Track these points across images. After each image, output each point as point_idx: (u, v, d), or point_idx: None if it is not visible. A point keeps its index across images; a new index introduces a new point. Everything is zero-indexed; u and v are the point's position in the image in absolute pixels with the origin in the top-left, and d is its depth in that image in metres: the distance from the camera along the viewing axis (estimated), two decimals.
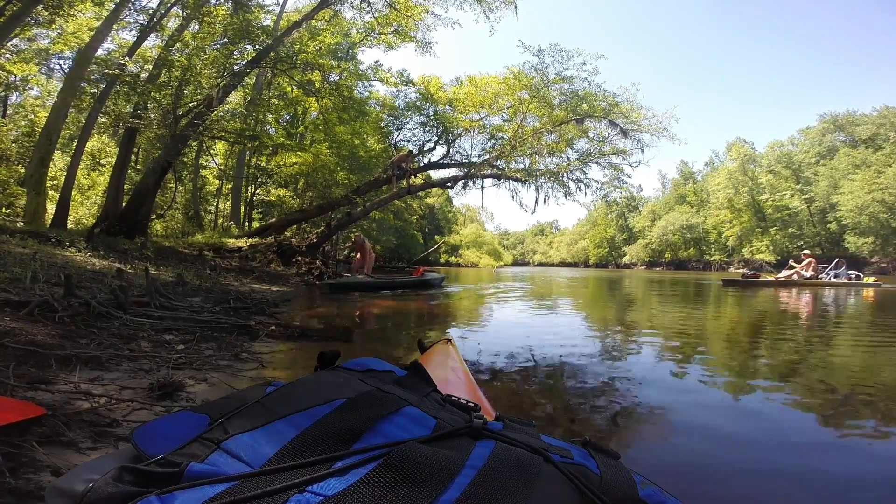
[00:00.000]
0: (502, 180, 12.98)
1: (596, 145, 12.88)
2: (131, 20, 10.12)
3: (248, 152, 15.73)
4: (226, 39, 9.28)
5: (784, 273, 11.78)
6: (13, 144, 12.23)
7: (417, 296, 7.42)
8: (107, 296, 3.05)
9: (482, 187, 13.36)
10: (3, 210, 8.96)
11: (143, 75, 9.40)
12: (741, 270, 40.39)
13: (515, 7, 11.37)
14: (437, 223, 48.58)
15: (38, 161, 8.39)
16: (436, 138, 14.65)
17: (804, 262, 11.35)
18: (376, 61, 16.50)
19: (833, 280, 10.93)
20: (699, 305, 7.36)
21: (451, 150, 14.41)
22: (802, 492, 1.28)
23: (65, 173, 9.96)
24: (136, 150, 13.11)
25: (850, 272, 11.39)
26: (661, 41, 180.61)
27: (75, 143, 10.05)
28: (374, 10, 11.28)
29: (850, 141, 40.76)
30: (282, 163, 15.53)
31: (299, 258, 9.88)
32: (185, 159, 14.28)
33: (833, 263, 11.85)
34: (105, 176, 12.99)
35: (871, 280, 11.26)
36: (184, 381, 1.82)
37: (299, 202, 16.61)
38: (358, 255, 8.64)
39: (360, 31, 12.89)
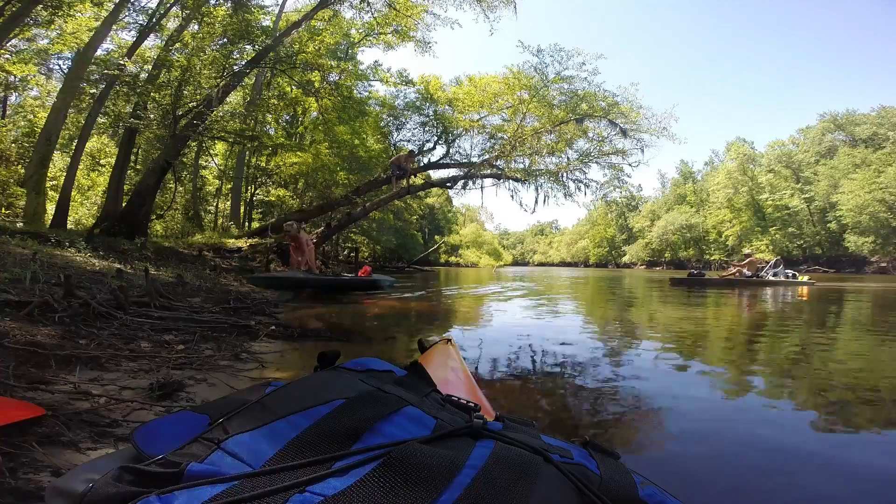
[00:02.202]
0: (502, 180, 12.98)
1: (595, 145, 12.88)
2: (131, 20, 10.13)
3: (247, 152, 15.72)
4: (225, 40, 9.28)
5: (728, 272, 12.51)
6: (13, 145, 12.23)
7: (410, 296, 7.41)
8: (106, 296, 3.05)
9: (482, 187, 13.36)
10: (3, 210, 8.96)
11: (143, 75, 9.40)
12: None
13: (515, 7, 11.38)
14: (437, 223, 48.54)
15: (38, 161, 8.39)
16: (436, 138, 14.66)
17: (745, 262, 12.02)
18: (376, 61, 16.54)
19: (772, 278, 11.50)
20: (693, 303, 7.37)
21: (450, 150, 14.42)
22: (803, 491, 1.28)
23: (65, 173, 9.96)
24: (135, 150, 13.12)
25: (787, 271, 12.21)
26: (660, 41, 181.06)
27: (75, 144, 10.05)
28: (373, 9, 11.29)
29: (849, 140, 40.78)
30: (281, 163, 15.51)
31: (299, 258, 9.84)
32: (185, 159, 14.31)
33: (772, 262, 12.71)
34: (105, 176, 12.99)
35: (805, 279, 12.10)
36: (184, 381, 1.81)
37: (299, 202, 16.60)
38: (293, 246, 7.32)
39: (360, 30, 12.90)
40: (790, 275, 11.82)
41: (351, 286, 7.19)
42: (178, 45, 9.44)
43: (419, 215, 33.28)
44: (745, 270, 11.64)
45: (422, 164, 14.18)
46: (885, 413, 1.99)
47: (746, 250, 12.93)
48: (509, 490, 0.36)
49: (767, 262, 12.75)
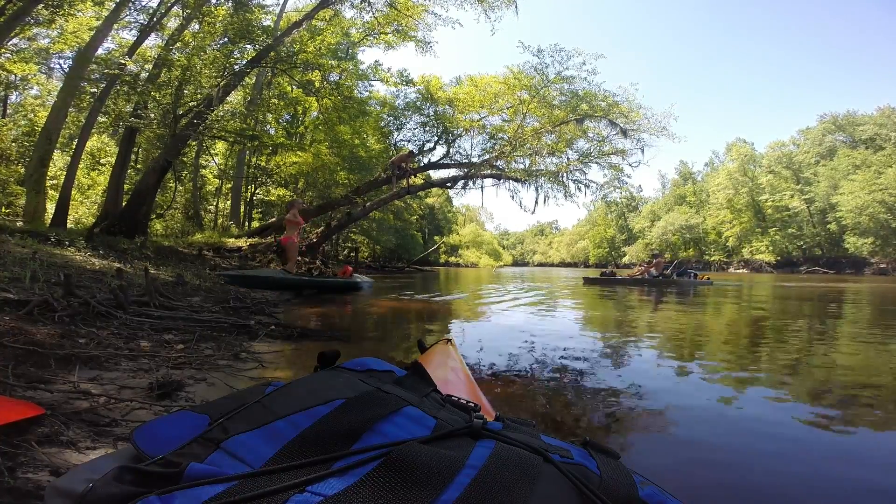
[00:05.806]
0: (502, 180, 12.97)
1: (595, 145, 12.88)
2: (131, 20, 10.12)
3: (247, 152, 15.73)
4: (226, 39, 9.29)
5: (636, 271, 13.62)
6: (13, 144, 12.23)
7: (404, 297, 7.39)
8: (106, 295, 3.05)
9: (482, 187, 13.35)
10: (3, 210, 8.96)
11: (143, 75, 9.40)
12: (741, 271, 40.52)
13: (516, 6, 11.38)
14: (437, 223, 48.50)
15: (38, 160, 8.39)
16: (436, 138, 14.64)
17: (652, 262, 13.09)
18: (376, 61, 16.41)
19: (676, 278, 12.41)
20: (686, 304, 7.37)
21: (451, 150, 14.41)
22: (803, 491, 1.28)
23: (65, 173, 9.95)
24: (136, 149, 13.11)
25: (689, 271, 13.46)
26: (660, 41, 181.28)
27: (75, 143, 10.05)
28: (374, 9, 11.29)
29: (849, 141, 40.83)
30: (282, 162, 15.52)
31: (299, 258, 9.86)
32: (185, 159, 14.29)
33: (675, 263, 14.41)
34: (105, 176, 12.98)
35: (704, 278, 13.14)
36: (183, 381, 1.81)
37: None
38: (295, 234, 6.98)
39: (360, 30, 12.89)
40: (692, 275, 12.91)
41: (329, 287, 7.08)
42: (178, 44, 9.44)
43: (419, 215, 33.26)
44: (652, 270, 12.46)
45: (422, 164, 14.18)
46: (883, 413, 1.99)
47: (656, 251, 14.77)
48: (509, 490, 0.36)
49: (671, 263, 14.43)
